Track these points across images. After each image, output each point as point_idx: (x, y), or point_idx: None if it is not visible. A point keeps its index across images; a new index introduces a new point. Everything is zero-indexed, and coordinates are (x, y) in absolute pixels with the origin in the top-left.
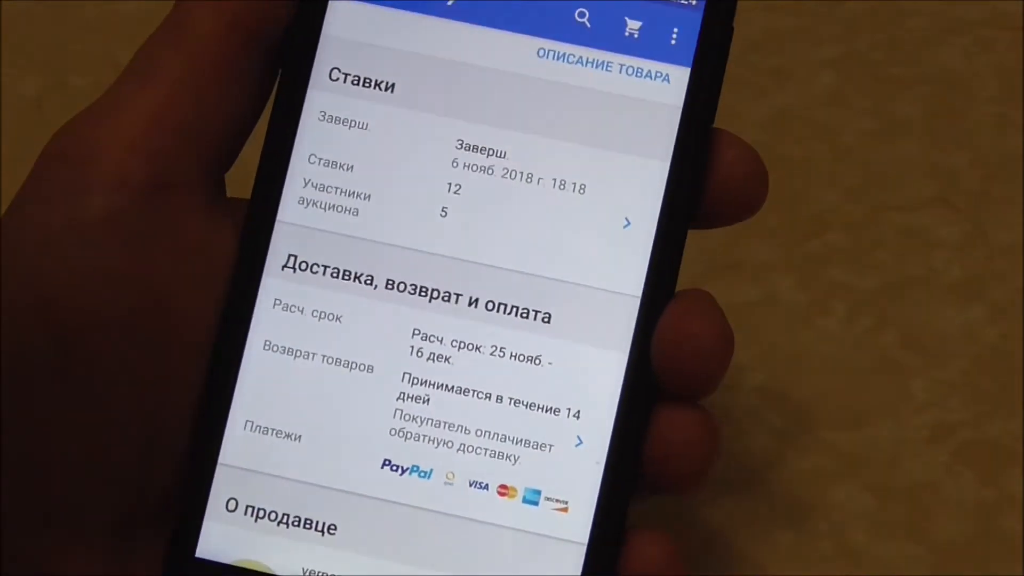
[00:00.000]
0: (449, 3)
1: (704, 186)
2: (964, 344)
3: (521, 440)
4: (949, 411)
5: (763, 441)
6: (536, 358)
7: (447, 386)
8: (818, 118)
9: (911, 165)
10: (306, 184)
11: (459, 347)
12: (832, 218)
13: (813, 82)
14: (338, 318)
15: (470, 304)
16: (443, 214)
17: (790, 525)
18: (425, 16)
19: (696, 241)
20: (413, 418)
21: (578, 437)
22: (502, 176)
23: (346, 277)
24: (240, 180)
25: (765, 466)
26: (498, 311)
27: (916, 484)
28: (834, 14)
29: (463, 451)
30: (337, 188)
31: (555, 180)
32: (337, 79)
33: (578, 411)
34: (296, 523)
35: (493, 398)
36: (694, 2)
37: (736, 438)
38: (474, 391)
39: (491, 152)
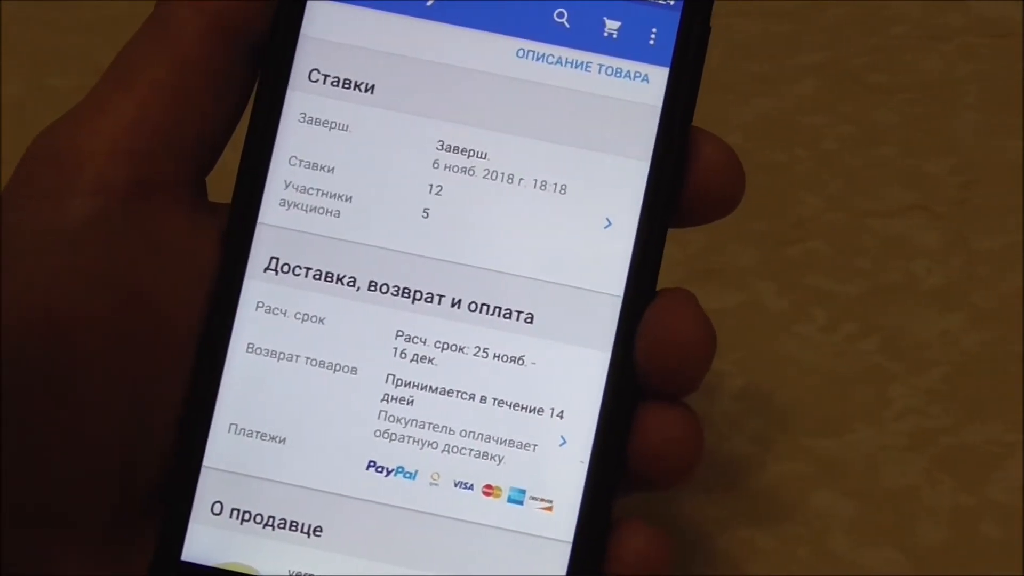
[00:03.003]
0: (428, 4)
1: (683, 185)
2: (944, 351)
3: (505, 440)
4: (929, 417)
5: (743, 446)
6: (519, 358)
7: (431, 387)
8: (800, 124)
9: (893, 172)
10: (287, 186)
11: (442, 348)
12: (813, 224)
13: (796, 88)
14: (321, 320)
15: (453, 305)
16: (425, 215)
17: (770, 530)
18: (404, 17)
19: (678, 246)
20: (397, 419)
21: (562, 437)
22: (483, 177)
23: (329, 279)
24: (221, 184)
25: (745, 471)
26: (481, 312)
27: (896, 490)
28: (817, 21)
29: (448, 452)
30: (318, 190)
31: (536, 180)
32: (317, 80)
33: (562, 411)
34: (282, 525)
35: (477, 398)
36: (672, 2)
37: (717, 443)
38: (458, 392)
39: (472, 153)
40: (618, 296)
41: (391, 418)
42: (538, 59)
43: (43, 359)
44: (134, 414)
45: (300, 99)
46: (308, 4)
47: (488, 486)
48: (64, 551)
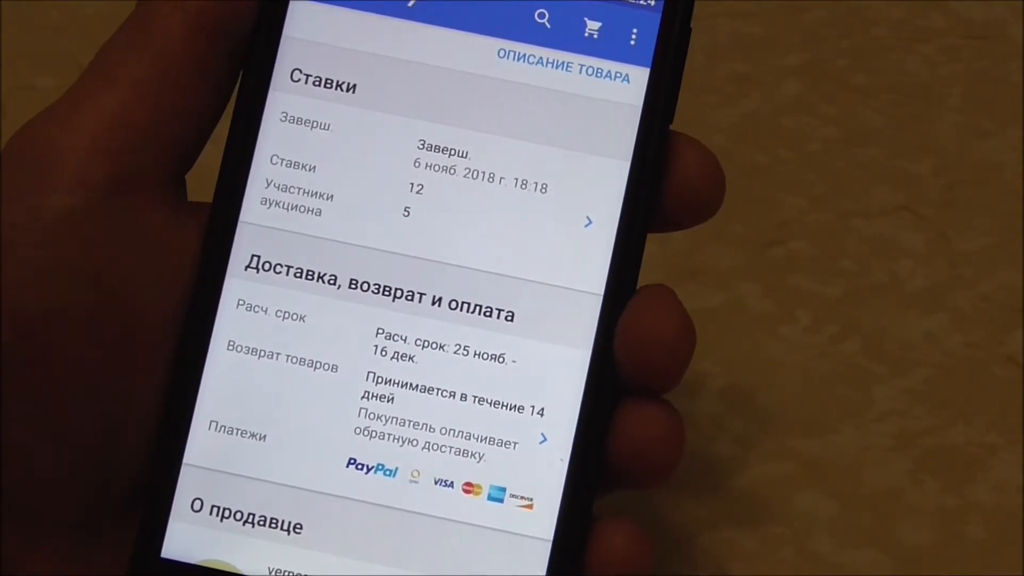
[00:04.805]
0: (410, 4)
1: (663, 186)
2: (927, 352)
3: (486, 438)
4: (912, 419)
5: (726, 447)
6: (500, 356)
7: (411, 385)
8: (783, 125)
9: (876, 173)
10: (268, 185)
11: (423, 346)
12: (797, 225)
13: (778, 89)
14: (302, 318)
15: (433, 303)
16: (406, 214)
17: (753, 531)
18: (386, 17)
19: (660, 247)
20: (378, 417)
21: (542, 434)
22: (464, 176)
23: (309, 277)
24: (202, 183)
25: (728, 472)
26: (461, 310)
27: (879, 491)
28: (799, 22)
29: (428, 449)
30: (300, 188)
31: (517, 180)
32: (299, 80)
33: (542, 408)
34: (262, 522)
35: (457, 396)
36: (652, 3)
37: (700, 444)
38: (438, 390)
39: (453, 152)
40: (598, 295)
41: (371, 416)
42: (519, 59)
43: (17, 355)
44: (109, 412)
45: (282, 99)
46: (290, 5)
47: (468, 484)
48: (36, 549)
